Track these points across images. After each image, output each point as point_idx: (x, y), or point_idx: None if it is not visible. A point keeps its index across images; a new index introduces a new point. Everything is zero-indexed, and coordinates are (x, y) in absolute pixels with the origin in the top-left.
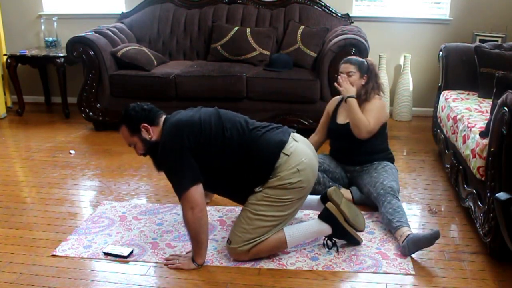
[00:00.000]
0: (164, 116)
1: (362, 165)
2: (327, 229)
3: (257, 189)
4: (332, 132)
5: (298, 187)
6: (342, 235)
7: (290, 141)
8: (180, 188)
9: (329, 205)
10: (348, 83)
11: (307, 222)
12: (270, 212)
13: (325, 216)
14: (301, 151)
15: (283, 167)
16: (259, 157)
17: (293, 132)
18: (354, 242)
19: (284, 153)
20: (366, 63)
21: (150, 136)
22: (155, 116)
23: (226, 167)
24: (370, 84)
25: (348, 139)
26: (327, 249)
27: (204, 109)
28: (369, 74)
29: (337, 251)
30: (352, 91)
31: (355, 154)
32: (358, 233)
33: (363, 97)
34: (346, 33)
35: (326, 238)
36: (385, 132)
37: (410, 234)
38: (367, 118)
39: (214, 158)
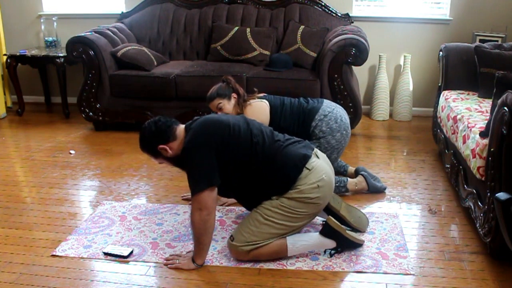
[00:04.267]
0: (180, 126)
1: None
2: (330, 243)
3: (274, 197)
4: None
5: (315, 202)
6: (345, 246)
7: (313, 156)
8: (195, 187)
9: (330, 221)
10: None
11: (310, 234)
12: (281, 221)
13: (327, 232)
14: (322, 167)
15: (303, 180)
16: (282, 169)
17: (315, 147)
18: (356, 246)
19: (306, 168)
20: (222, 85)
21: (169, 154)
22: (169, 132)
23: (248, 174)
24: (240, 98)
25: None
26: (329, 256)
27: (230, 114)
28: (234, 91)
29: (340, 252)
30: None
31: None
32: (360, 234)
33: (241, 113)
34: (346, 33)
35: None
36: (281, 127)
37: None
38: None
39: (239, 163)
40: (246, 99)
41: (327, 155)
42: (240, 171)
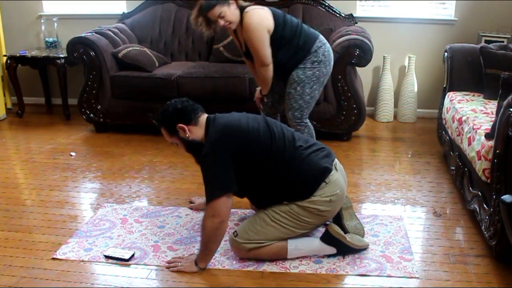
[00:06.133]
0: (204, 115)
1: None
2: (330, 250)
3: (285, 202)
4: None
5: (323, 215)
6: (346, 252)
7: (333, 169)
8: (210, 194)
9: (331, 228)
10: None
11: (311, 239)
12: (287, 225)
13: (327, 239)
14: (338, 182)
15: (318, 192)
16: (301, 179)
17: (335, 157)
18: (360, 250)
19: (324, 181)
20: None
21: (187, 135)
22: (192, 115)
23: (264, 177)
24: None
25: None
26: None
27: (252, 115)
28: None
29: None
30: None
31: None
32: (361, 239)
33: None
34: (349, 34)
35: None
36: (283, 36)
37: None
38: (254, 56)
39: (255, 167)
40: (245, 6)
41: (313, 85)
42: (256, 173)
